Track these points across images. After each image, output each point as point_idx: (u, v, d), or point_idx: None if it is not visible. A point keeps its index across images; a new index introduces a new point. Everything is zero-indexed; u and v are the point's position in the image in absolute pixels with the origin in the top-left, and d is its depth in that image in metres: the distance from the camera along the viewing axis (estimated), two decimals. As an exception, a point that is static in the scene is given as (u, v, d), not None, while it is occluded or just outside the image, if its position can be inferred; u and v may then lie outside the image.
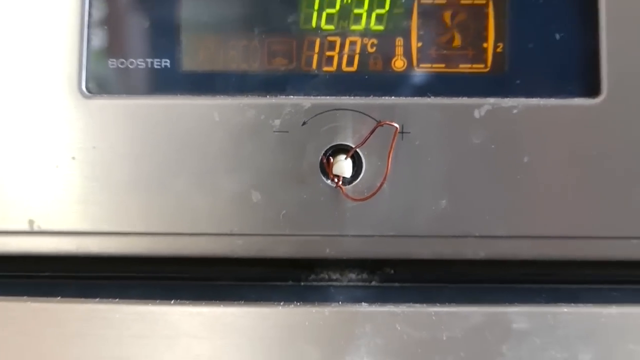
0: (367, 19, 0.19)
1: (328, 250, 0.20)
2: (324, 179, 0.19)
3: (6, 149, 0.19)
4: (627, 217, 0.19)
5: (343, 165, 0.19)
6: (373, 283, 0.21)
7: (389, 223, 0.19)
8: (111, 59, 0.19)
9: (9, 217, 0.20)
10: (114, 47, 0.19)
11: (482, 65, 0.19)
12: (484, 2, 0.19)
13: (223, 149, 0.19)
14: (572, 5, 0.19)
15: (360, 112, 0.19)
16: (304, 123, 0.19)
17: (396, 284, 0.21)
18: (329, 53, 0.19)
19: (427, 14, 0.19)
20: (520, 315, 0.19)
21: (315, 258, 0.20)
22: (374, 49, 0.19)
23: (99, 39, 0.19)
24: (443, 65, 0.19)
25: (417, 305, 0.20)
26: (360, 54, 0.19)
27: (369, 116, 0.19)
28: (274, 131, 0.19)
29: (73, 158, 0.19)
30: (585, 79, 0.19)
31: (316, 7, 0.19)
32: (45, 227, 0.20)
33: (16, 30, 0.19)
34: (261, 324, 0.19)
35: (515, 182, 0.19)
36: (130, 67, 0.19)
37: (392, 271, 0.21)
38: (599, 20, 0.19)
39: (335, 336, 0.19)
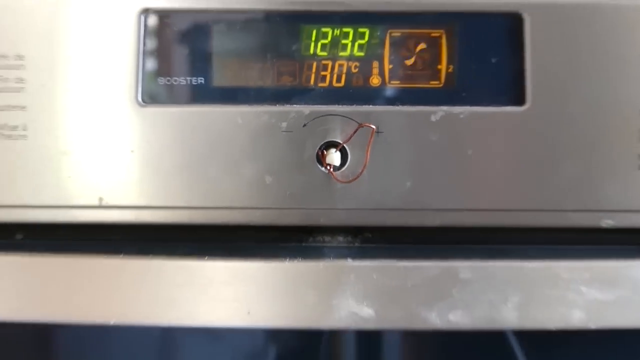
0: (352, 48, 0.25)
1: (322, 220, 0.26)
2: (319, 167, 0.25)
3: (83, 143, 0.25)
4: (545, 195, 0.26)
5: (333, 157, 0.25)
6: (356, 244, 0.27)
7: (368, 199, 0.26)
8: (160, 77, 0.25)
9: (83, 196, 0.26)
10: (162, 68, 0.25)
11: (437, 82, 0.25)
12: (438, 34, 0.25)
13: (244, 145, 0.25)
14: (504, 38, 0.25)
15: (346, 117, 0.25)
16: (304, 125, 0.25)
17: (373, 245, 0.27)
18: (323, 73, 0.25)
19: (396, 43, 0.25)
20: (466, 268, 0.26)
21: (313, 226, 0.26)
22: (357, 69, 0.25)
23: (151, 63, 0.25)
24: (408, 82, 0.25)
25: (389, 260, 0.26)
26: (346, 73, 0.25)
27: (353, 120, 0.25)
28: (282, 131, 0.25)
29: (132, 151, 0.25)
30: (513, 92, 0.25)
31: (313, 38, 0.25)
32: (111, 203, 0.26)
33: (93, 57, 0.25)
34: (272, 274, 0.25)
35: (462, 169, 0.26)
36: (175, 83, 0.25)
37: (370, 235, 0.27)
38: (524, 48, 0.25)
39: (327, 283, 0.25)
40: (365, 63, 0.25)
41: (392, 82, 0.25)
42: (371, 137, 0.25)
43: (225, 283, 0.25)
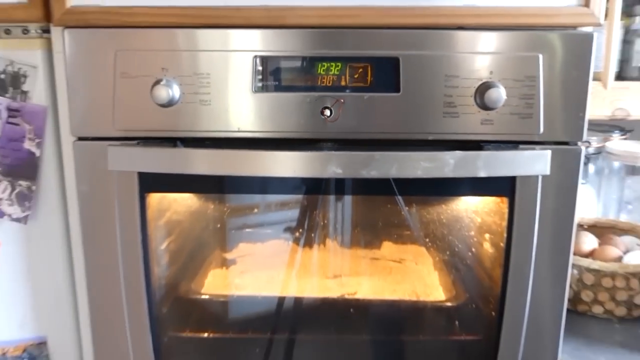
0: (335, 69, 0.65)
1: (322, 136, 0.65)
2: (321, 115, 0.65)
3: (233, 106, 0.65)
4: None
5: (326, 112, 0.65)
6: (335, 146, 0.67)
7: (340, 128, 0.65)
8: (259, 81, 0.65)
9: (228, 127, 0.66)
10: (261, 77, 0.65)
11: (366, 84, 0.65)
12: (367, 66, 0.64)
13: (294, 109, 0.65)
14: (393, 68, 0.64)
15: (332, 97, 0.65)
16: (316, 100, 0.65)
17: (342, 147, 0.67)
18: (323, 80, 0.65)
19: (351, 69, 0.65)
20: (378, 155, 0.65)
21: (320, 139, 0.66)
22: (336, 78, 0.65)
23: (259, 76, 0.65)
24: (355, 84, 0.65)
25: (348, 152, 0.65)
26: (333, 80, 0.65)
27: (335, 98, 0.65)
28: (307, 102, 0.65)
29: (250, 110, 0.65)
30: (395, 85, 0.64)
31: (320, 66, 0.64)
32: (243, 129, 0.66)
33: (238, 73, 0.65)
34: (298, 157, 0.65)
35: (373, 114, 0.65)
36: (265, 84, 0.65)
37: (340, 144, 0.67)
38: (399, 65, 0.64)
39: (323, 158, 0.65)
40: (339, 76, 0.64)
41: (349, 84, 0.65)
42: (341, 104, 0.64)
43: (283, 159, 0.65)
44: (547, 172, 0.64)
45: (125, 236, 0.69)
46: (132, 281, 0.70)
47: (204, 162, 0.65)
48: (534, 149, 0.65)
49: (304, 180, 0.71)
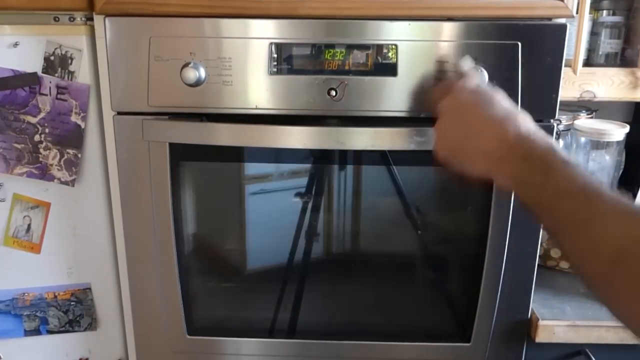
0: (339, 54, 0.72)
1: (329, 113, 0.73)
2: (327, 95, 0.73)
3: (251, 85, 0.73)
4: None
5: (332, 92, 0.73)
6: (339, 123, 0.75)
7: (344, 106, 0.73)
8: (274, 65, 0.73)
9: (247, 105, 0.74)
10: (278, 62, 0.73)
11: (368, 68, 0.72)
12: (371, 51, 0.72)
13: (304, 88, 0.73)
14: (392, 54, 0.72)
15: (337, 79, 0.72)
16: (323, 81, 0.72)
17: (345, 122, 0.75)
18: (330, 64, 0.72)
19: (355, 55, 0.72)
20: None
21: (324, 116, 0.74)
22: (340, 62, 0.72)
23: (274, 61, 0.73)
24: (357, 68, 0.72)
25: (350, 128, 0.74)
26: (338, 65, 0.72)
27: (340, 80, 0.72)
28: (317, 83, 0.73)
29: (267, 89, 0.73)
30: (393, 70, 0.72)
31: (327, 52, 0.72)
32: (260, 106, 0.74)
33: (257, 57, 0.72)
34: (307, 132, 0.73)
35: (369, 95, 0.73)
36: (280, 67, 0.73)
37: (344, 120, 0.75)
38: (397, 51, 0.71)
39: (328, 132, 0.73)
40: (344, 60, 0.72)
41: (352, 68, 0.72)
42: (345, 86, 0.72)
43: (295, 133, 0.73)
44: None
45: (157, 198, 0.78)
46: (163, 237, 0.80)
47: (226, 135, 0.74)
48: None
49: (311, 152, 0.80)
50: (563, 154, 0.47)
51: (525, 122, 0.52)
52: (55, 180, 0.80)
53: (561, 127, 0.86)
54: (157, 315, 0.83)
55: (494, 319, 0.81)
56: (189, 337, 0.84)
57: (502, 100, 0.57)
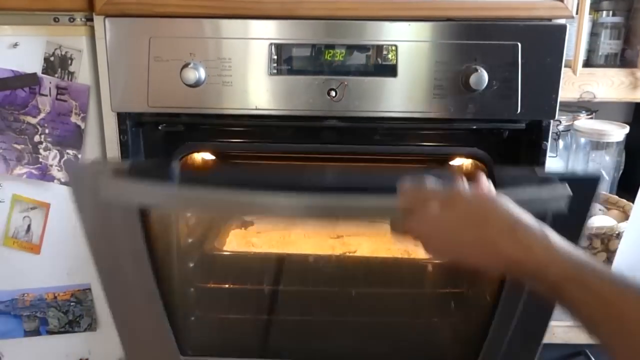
0: (339, 54, 0.72)
1: (329, 113, 0.73)
2: (327, 95, 0.72)
3: (251, 85, 0.73)
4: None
5: (332, 93, 0.72)
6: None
7: (344, 106, 0.73)
8: (274, 67, 0.72)
9: (247, 105, 0.74)
10: (276, 62, 0.72)
11: (366, 67, 0.72)
12: (371, 52, 0.71)
13: (304, 89, 0.72)
14: (391, 54, 0.71)
15: (336, 79, 0.72)
16: (323, 82, 0.72)
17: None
18: (329, 63, 0.72)
19: (354, 55, 0.72)
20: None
21: (327, 116, 0.74)
22: (341, 61, 0.72)
23: (274, 62, 0.72)
24: (357, 67, 0.72)
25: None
26: (338, 64, 0.72)
27: (339, 80, 0.72)
28: (316, 83, 0.72)
29: (267, 90, 0.73)
30: (393, 71, 0.71)
31: (327, 53, 0.72)
32: (260, 107, 0.73)
33: (255, 58, 0.72)
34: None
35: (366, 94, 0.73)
36: (280, 67, 0.72)
37: (343, 121, 0.74)
38: (397, 52, 0.71)
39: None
40: (344, 61, 0.72)
41: (352, 69, 0.72)
42: (345, 87, 0.72)
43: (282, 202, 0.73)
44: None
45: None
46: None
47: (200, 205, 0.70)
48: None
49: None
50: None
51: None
52: (55, 181, 0.79)
53: (561, 127, 0.85)
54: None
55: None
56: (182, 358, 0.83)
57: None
